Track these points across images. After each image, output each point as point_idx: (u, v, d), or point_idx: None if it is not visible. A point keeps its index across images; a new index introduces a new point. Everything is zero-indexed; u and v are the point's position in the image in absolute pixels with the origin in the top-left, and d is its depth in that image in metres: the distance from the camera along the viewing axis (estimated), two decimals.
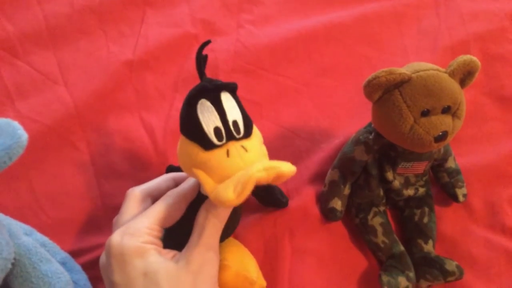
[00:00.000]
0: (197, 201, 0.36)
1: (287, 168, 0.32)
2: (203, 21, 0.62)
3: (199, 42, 0.37)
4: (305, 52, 0.61)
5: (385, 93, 0.40)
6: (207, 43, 0.34)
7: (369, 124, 0.47)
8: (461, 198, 0.49)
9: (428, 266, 0.45)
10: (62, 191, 0.48)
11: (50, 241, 0.43)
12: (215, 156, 0.32)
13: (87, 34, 0.59)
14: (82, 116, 0.53)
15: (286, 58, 0.60)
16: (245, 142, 0.33)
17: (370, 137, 0.45)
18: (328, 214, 0.48)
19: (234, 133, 0.33)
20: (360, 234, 0.48)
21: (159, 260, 0.32)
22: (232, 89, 0.34)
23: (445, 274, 0.44)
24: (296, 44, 0.61)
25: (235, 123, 0.33)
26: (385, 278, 0.43)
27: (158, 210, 0.34)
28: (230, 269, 0.41)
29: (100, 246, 0.46)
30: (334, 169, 0.49)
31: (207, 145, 0.32)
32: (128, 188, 0.37)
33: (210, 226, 0.34)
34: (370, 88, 0.40)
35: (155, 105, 0.55)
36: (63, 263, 0.41)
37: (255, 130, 0.36)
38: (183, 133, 0.34)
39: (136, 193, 0.37)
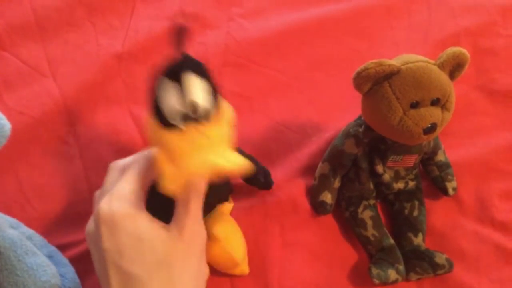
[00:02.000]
0: None
1: (228, 164, 0.33)
2: (194, 14, 0.62)
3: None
4: (296, 45, 0.61)
5: (375, 85, 0.40)
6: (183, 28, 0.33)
7: (359, 117, 0.48)
8: (451, 192, 0.49)
9: (418, 259, 0.45)
10: (50, 184, 0.48)
11: (37, 234, 0.42)
12: (172, 138, 0.32)
13: (76, 26, 0.59)
14: (70, 109, 0.53)
15: (277, 51, 0.61)
16: (206, 127, 0.33)
17: (360, 130, 0.46)
18: (318, 208, 0.48)
19: (196, 116, 0.32)
20: (350, 227, 0.48)
21: (153, 226, 0.32)
22: (200, 68, 0.33)
23: (435, 267, 0.44)
24: (287, 37, 0.62)
25: (197, 105, 0.32)
26: (375, 271, 0.43)
27: (135, 173, 0.34)
28: (219, 244, 0.42)
29: None
30: (324, 162, 0.49)
31: (165, 123, 0.32)
32: None
33: (194, 200, 0.34)
34: (360, 79, 0.40)
35: (144, 98, 0.55)
36: (50, 257, 0.41)
37: (225, 111, 0.35)
38: (149, 110, 0.33)
39: (119, 165, 0.36)
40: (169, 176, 0.33)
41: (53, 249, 0.43)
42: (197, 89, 0.32)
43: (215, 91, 0.33)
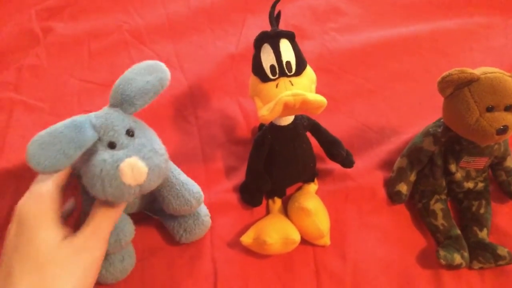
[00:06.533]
0: None
1: (313, 97, 0.40)
2: (294, 26, 0.72)
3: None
4: (381, 58, 0.69)
5: (456, 89, 0.46)
6: (278, 0, 0.45)
7: (439, 119, 0.53)
8: None
9: (481, 249, 0.49)
10: (174, 154, 0.57)
11: None
12: (268, 87, 0.42)
13: (199, 30, 0.71)
14: (193, 95, 0.63)
15: (364, 62, 0.68)
16: (294, 79, 0.42)
17: (439, 130, 0.51)
18: (393, 196, 0.53)
19: (286, 71, 0.42)
20: (421, 217, 0.53)
21: (52, 231, 0.36)
22: (290, 36, 0.43)
23: (497, 258, 0.48)
24: (374, 51, 0.69)
25: (288, 63, 0.42)
26: (442, 253, 0.48)
27: (52, 176, 0.39)
28: (310, 217, 0.48)
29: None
30: (402, 157, 0.54)
31: (264, 78, 0.42)
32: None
33: (99, 216, 0.39)
34: (444, 84, 0.46)
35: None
36: None
37: (309, 72, 0.44)
38: (251, 69, 0.44)
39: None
40: (265, 108, 0.41)
41: None
42: (289, 51, 0.43)
43: (301, 55, 0.43)
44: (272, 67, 0.42)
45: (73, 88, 0.64)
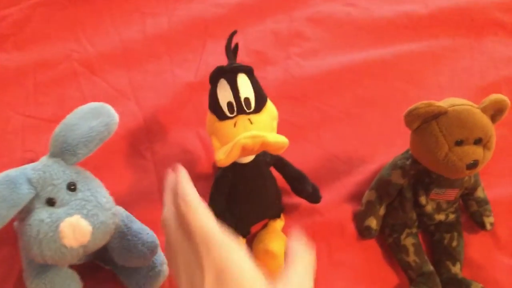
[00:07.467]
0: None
1: (273, 138, 0.38)
2: (256, 51, 0.69)
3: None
4: (347, 84, 0.67)
5: (423, 123, 0.45)
6: (234, 33, 0.43)
7: (407, 151, 0.52)
8: (488, 227, 0.52)
9: (455, 286, 0.48)
10: (128, 193, 0.54)
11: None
12: (225, 126, 0.40)
13: (155, 57, 0.68)
14: (149, 128, 0.60)
15: (330, 88, 0.66)
16: (253, 116, 0.40)
17: (407, 162, 0.50)
18: (363, 232, 0.52)
19: (245, 108, 0.40)
20: (393, 252, 0.51)
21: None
22: (248, 71, 0.41)
23: None
24: (339, 76, 0.68)
25: (246, 100, 0.40)
26: None
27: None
28: (276, 260, 0.46)
29: None
30: (371, 190, 0.53)
31: (221, 116, 0.40)
32: None
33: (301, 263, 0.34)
34: (411, 117, 0.45)
35: None
36: None
37: (270, 107, 0.42)
38: (208, 106, 0.42)
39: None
40: (222, 150, 0.39)
41: None
42: (248, 86, 0.41)
43: (261, 90, 0.42)
44: (229, 104, 0.40)
45: (16, 125, 0.60)
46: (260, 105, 0.40)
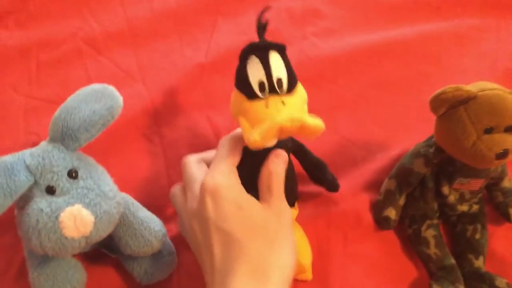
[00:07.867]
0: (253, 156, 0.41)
1: (312, 122, 0.37)
2: (270, 31, 0.66)
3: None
4: (364, 65, 0.64)
5: (450, 108, 0.42)
6: (267, 8, 0.40)
7: (429, 138, 0.49)
8: None
9: (478, 281, 0.46)
10: (135, 178, 0.53)
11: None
12: (256, 106, 0.37)
13: (164, 36, 0.65)
14: (157, 111, 0.58)
15: (347, 70, 0.63)
16: (285, 98, 0.38)
17: (431, 150, 0.47)
18: (381, 222, 0.50)
19: (277, 88, 0.37)
20: (412, 244, 0.49)
21: (250, 198, 0.37)
22: (281, 49, 0.39)
23: None
24: (358, 57, 0.64)
25: (279, 79, 0.37)
26: (435, 287, 0.44)
27: (225, 154, 0.39)
28: None
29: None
30: (390, 179, 0.51)
31: (251, 95, 0.37)
32: None
33: (275, 181, 0.38)
34: (437, 102, 0.42)
35: (221, 106, 0.59)
36: None
37: (300, 89, 0.40)
38: (234, 83, 0.39)
39: (193, 158, 0.42)
40: (257, 131, 0.36)
41: None
42: (280, 65, 0.38)
43: (292, 70, 0.39)
44: (261, 84, 0.37)
45: (18, 107, 0.58)
46: (291, 86, 0.38)
